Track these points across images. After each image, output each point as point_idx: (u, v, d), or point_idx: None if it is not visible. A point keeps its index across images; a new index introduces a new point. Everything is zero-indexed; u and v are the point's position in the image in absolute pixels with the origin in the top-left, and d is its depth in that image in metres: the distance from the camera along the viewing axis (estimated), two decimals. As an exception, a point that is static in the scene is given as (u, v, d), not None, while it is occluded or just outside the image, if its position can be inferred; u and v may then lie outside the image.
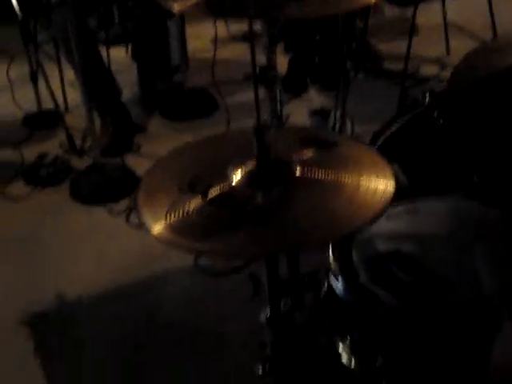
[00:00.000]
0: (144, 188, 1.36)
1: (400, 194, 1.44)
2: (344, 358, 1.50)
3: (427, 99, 1.99)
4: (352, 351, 1.48)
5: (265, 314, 1.41)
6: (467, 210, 1.57)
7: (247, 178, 1.29)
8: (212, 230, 1.22)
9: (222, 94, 3.30)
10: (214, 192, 1.27)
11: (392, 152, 1.78)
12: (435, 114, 1.92)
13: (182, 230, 1.24)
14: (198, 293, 2.48)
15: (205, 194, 1.26)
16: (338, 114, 2.95)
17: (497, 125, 1.81)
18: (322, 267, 1.50)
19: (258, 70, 1.44)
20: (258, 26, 1.89)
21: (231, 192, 1.27)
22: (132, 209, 2.79)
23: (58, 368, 2.22)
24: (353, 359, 1.47)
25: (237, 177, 1.29)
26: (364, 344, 1.44)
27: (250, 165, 1.30)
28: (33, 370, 2.20)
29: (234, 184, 1.29)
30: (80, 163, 3.15)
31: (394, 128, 2.00)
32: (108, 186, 2.97)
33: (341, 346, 1.51)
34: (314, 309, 1.51)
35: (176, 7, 1.37)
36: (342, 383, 1.49)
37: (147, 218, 1.32)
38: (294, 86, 3.55)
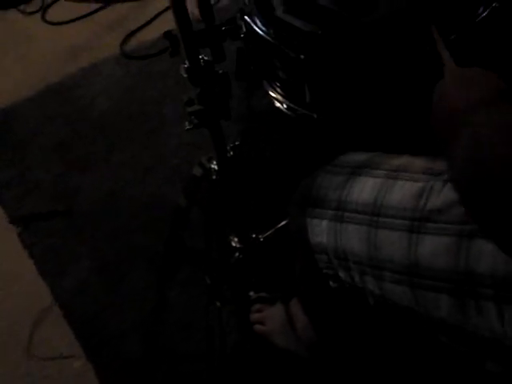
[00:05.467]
0: None
1: None
2: (277, 103, 1.46)
3: None
4: (282, 95, 1.44)
5: (184, 67, 1.34)
6: None
7: None
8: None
9: None
10: None
11: None
12: None
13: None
14: (129, 80, 2.40)
15: None
16: None
17: None
18: (238, 12, 1.41)
19: None
20: None
21: None
22: (47, 6, 2.62)
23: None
24: (284, 101, 1.43)
25: None
26: (292, 84, 1.40)
27: None
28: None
29: None
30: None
31: None
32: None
33: (271, 93, 1.47)
34: (238, 56, 1.45)
35: None
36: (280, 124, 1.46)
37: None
38: None
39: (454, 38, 1.20)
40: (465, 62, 0.96)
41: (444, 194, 0.90)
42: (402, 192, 0.94)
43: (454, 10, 1.26)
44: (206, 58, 1.38)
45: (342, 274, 1.05)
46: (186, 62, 1.35)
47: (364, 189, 1.00)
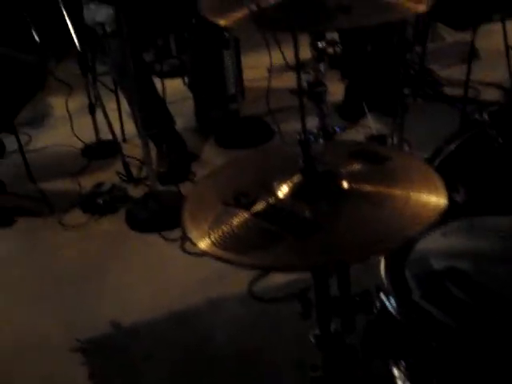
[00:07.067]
0: (188, 205, 1.34)
1: (457, 212, 1.38)
2: None
3: (485, 118, 1.93)
4: (407, 377, 1.41)
5: (314, 334, 1.36)
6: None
7: (293, 191, 1.25)
8: (257, 244, 1.19)
9: (277, 122, 3.31)
10: (259, 205, 1.24)
11: (450, 169, 1.73)
12: (494, 133, 1.86)
13: (227, 244, 1.21)
14: (252, 319, 2.44)
15: (250, 208, 1.23)
16: (395, 139, 2.91)
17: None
18: (374, 286, 1.44)
19: (304, 85, 1.42)
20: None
21: (277, 205, 1.24)
22: (186, 236, 2.78)
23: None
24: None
25: (283, 190, 1.26)
26: (419, 368, 1.38)
27: (296, 178, 1.27)
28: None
29: (279, 197, 1.25)
30: (136, 192, 3.18)
31: (452, 146, 1.95)
32: (163, 213, 2.97)
33: (395, 372, 1.45)
34: (367, 330, 1.46)
35: (222, 22, 1.36)
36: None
37: (193, 234, 1.30)
38: (351, 113, 3.52)
39: None
40: None
41: None
42: None
43: None
44: (335, 326, 1.40)
45: None
46: (317, 329, 1.37)
47: None
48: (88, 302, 2.60)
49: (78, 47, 3.18)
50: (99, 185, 3.18)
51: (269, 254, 1.17)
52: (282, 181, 1.27)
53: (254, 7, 1.32)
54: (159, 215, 2.98)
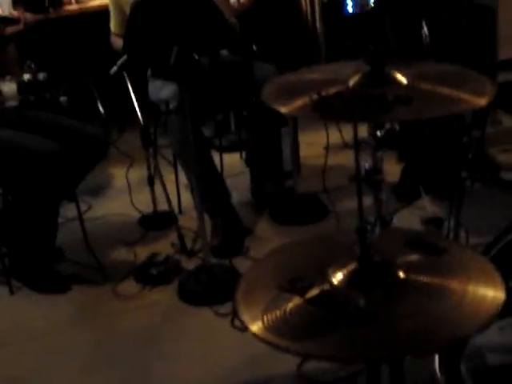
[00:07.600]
0: (243, 286, 1.36)
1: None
2: None
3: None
4: None
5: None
6: None
7: (348, 279, 1.26)
8: (310, 331, 1.19)
9: (332, 201, 3.32)
10: (313, 292, 1.25)
11: (508, 258, 1.71)
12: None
13: (280, 329, 1.22)
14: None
15: (304, 293, 1.24)
16: (452, 223, 2.88)
17: None
18: (428, 378, 1.42)
19: (363, 172, 1.43)
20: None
21: (331, 292, 1.24)
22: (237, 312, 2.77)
23: None
24: None
25: (338, 277, 1.26)
26: None
27: (352, 266, 1.27)
28: None
29: (334, 284, 1.26)
30: (190, 263, 3.20)
31: (508, 238, 1.92)
32: (215, 287, 2.98)
33: None
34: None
35: (283, 109, 1.40)
36: None
37: (245, 316, 1.31)
38: (407, 194, 3.51)
39: None
40: None
41: None
42: None
43: None
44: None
45: None
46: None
47: None
48: (138, 373, 2.60)
49: (141, 121, 3.29)
50: (154, 255, 3.23)
51: (321, 343, 1.16)
52: (338, 268, 1.28)
53: (315, 96, 1.35)
54: (211, 288, 2.99)
